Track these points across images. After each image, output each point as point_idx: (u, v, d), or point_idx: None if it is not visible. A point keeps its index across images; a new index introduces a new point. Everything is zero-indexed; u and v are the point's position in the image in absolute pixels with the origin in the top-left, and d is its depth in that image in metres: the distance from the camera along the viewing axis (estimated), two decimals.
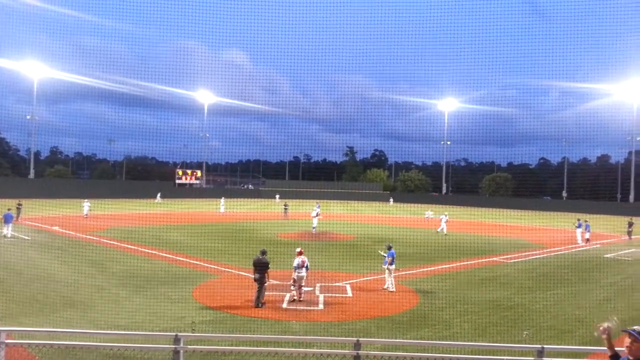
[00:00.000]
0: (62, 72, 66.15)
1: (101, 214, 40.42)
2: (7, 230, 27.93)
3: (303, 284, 15.59)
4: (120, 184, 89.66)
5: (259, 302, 14.54)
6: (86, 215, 38.88)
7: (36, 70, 65.80)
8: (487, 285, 18.44)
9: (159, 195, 68.29)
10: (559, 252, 28.50)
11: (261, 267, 14.81)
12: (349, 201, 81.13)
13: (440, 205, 57.04)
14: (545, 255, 27.43)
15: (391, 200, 78.65)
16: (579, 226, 33.65)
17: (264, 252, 15.30)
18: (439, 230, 36.65)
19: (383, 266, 17.39)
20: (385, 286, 17.15)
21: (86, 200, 41.24)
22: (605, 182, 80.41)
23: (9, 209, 29.21)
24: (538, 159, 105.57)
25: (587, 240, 32.42)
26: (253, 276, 14.92)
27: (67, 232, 30.46)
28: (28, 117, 69.89)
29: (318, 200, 55.66)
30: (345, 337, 11.79)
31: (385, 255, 17.35)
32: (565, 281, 19.78)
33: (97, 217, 38.90)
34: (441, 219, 37.70)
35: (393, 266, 17.27)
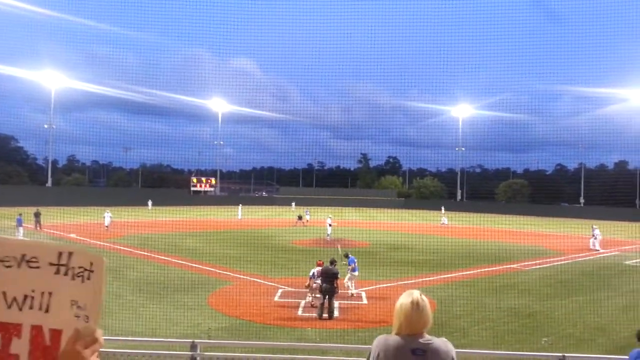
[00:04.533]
0: (77, 81, 67.32)
1: (118, 221, 40.69)
2: (19, 234, 29.51)
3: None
4: (136, 191, 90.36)
5: (331, 313, 14.15)
6: (107, 226, 37.51)
7: (53, 79, 66.76)
8: (504, 293, 18.19)
9: (150, 202, 67.95)
10: (578, 259, 28.05)
11: (331, 277, 14.38)
12: (363, 208, 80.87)
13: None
14: (563, 262, 27.00)
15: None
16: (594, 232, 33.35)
17: (333, 262, 14.91)
18: (593, 247, 32.27)
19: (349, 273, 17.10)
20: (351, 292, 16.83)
21: (107, 210, 39.62)
22: (623, 188, 79.12)
23: (20, 214, 30.61)
24: (554, 165, 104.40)
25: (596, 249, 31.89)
26: (320, 286, 14.40)
27: (84, 239, 30.75)
28: (45, 125, 71.01)
29: (308, 207, 55.77)
30: (361, 344, 11.69)
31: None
32: (585, 288, 19.43)
33: (114, 224, 39.08)
34: (594, 235, 32.69)
35: (356, 273, 17.05)
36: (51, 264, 1.50)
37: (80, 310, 1.49)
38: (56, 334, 1.49)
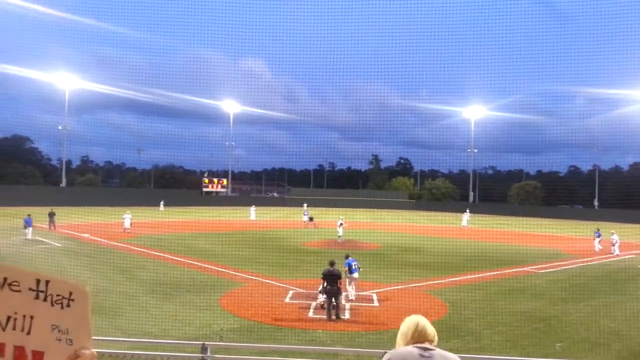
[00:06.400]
0: (91, 83, 68.01)
1: (133, 222, 40.90)
2: (27, 234, 29.74)
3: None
4: (149, 192, 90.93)
5: (338, 314, 14.18)
6: (127, 229, 36.12)
7: (67, 81, 67.47)
8: (517, 296, 18.00)
9: (162, 203, 67.93)
10: (592, 262, 27.70)
11: (334, 279, 14.41)
12: (375, 209, 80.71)
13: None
14: (578, 265, 26.69)
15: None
16: (598, 235, 33.01)
17: (333, 263, 14.89)
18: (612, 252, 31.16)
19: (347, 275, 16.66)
20: (350, 296, 16.49)
21: (127, 212, 38.06)
22: (638, 190, 78.07)
23: (28, 215, 30.69)
24: (568, 166, 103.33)
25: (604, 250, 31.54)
26: (324, 288, 14.44)
27: (98, 239, 31.01)
28: (60, 127, 71.72)
29: (307, 208, 56.02)
30: (372, 347, 11.63)
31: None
32: (599, 292, 19.18)
33: (132, 225, 39.13)
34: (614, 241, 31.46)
35: (355, 274, 16.60)
36: (31, 289, 1.56)
37: (62, 334, 1.55)
38: (39, 355, 1.55)
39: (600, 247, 32.13)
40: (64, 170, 76.20)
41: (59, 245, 28.41)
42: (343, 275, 16.14)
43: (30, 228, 30.24)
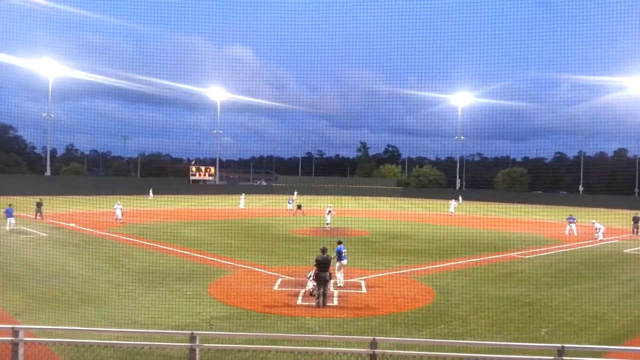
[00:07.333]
0: (75, 70, 66.90)
1: (123, 210, 40.59)
2: (8, 224, 29.01)
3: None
4: (135, 180, 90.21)
5: (325, 302, 14.28)
6: (118, 219, 35.46)
7: (51, 68, 66.37)
8: (503, 281, 18.26)
9: (151, 191, 67.59)
10: (576, 248, 28.14)
11: (327, 265, 14.52)
12: (363, 197, 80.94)
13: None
14: (562, 250, 27.09)
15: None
16: (572, 221, 33.60)
17: (325, 250, 14.93)
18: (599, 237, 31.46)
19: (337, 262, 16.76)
20: (339, 283, 16.56)
21: (118, 201, 37.42)
22: (622, 176, 79.19)
23: (9, 204, 30.05)
24: (554, 153, 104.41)
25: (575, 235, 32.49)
26: (315, 274, 14.53)
27: (84, 229, 30.77)
28: (44, 114, 70.61)
29: (297, 196, 56.29)
30: (360, 333, 11.77)
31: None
32: (583, 277, 19.52)
33: (113, 214, 38.99)
34: (597, 229, 31.71)
35: (344, 261, 16.70)
36: None
37: None
38: None
39: (576, 234, 32.76)
40: (48, 159, 75.19)
41: (45, 235, 28.15)
42: (333, 262, 16.27)
43: (12, 218, 29.43)
